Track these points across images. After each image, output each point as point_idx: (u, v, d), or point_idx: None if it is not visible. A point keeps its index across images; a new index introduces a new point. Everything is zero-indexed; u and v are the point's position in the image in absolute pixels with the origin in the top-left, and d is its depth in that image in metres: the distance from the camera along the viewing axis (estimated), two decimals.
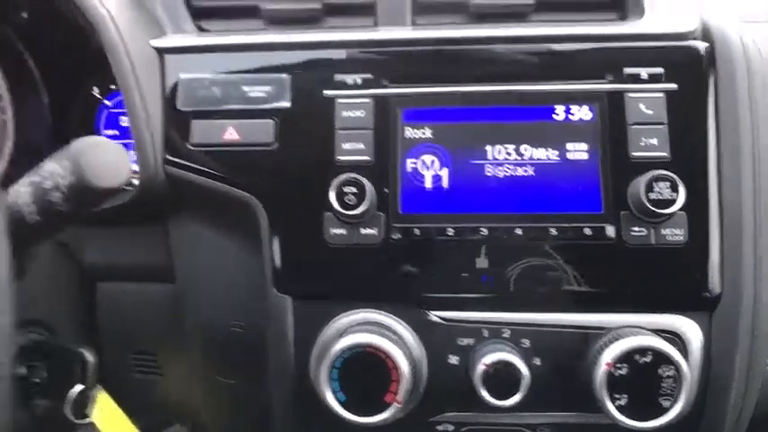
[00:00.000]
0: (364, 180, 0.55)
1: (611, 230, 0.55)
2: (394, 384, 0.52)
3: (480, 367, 0.53)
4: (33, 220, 0.45)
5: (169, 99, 0.60)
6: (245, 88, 0.60)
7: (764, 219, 0.55)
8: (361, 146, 0.58)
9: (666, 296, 0.55)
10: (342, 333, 0.55)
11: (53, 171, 0.44)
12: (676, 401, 0.51)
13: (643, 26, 0.59)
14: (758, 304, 0.54)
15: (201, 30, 0.65)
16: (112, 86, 0.78)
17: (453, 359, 0.55)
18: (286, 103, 0.59)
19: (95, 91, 0.78)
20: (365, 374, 0.53)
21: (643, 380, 0.51)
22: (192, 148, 0.59)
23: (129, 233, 0.64)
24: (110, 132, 0.79)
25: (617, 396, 0.52)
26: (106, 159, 0.44)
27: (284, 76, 0.59)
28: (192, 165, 0.59)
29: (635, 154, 0.56)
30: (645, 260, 0.55)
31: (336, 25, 0.64)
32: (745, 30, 0.59)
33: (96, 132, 0.78)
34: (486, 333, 0.55)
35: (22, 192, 0.45)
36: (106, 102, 0.78)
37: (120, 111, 0.79)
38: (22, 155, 0.72)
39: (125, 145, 0.79)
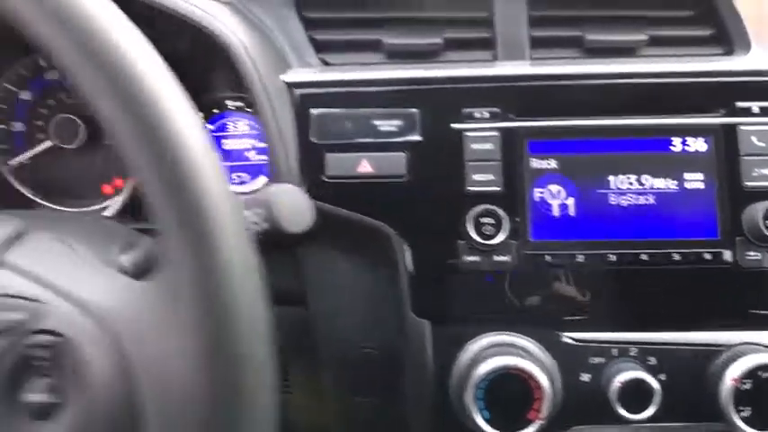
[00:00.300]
0: (500, 211, 0.59)
1: (728, 255, 0.60)
2: (537, 402, 0.57)
3: (615, 384, 0.57)
4: None
5: (302, 132, 0.63)
6: (376, 122, 0.63)
7: None
8: (491, 177, 0.61)
9: None
10: (481, 354, 0.59)
11: (246, 218, 0.47)
12: None
13: (752, 62, 0.63)
14: None
15: (325, 63, 0.68)
16: (215, 110, 0.81)
17: (585, 377, 0.60)
18: (417, 137, 0.62)
19: (200, 116, 0.80)
20: (509, 394, 0.57)
21: (765, 393, 0.56)
22: (328, 180, 0.62)
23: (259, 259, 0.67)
24: None
25: (741, 408, 0.56)
26: (295, 205, 0.47)
27: (413, 110, 0.63)
28: (328, 196, 0.62)
29: (748, 184, 0.60)
30: (759, 282, 0.60)
31: (455, 59, 0.67)
32: None
33: None
34: (615, 352, 0.60)
35: None
36: (209, 125, 0.81)
37: (222, 134, 0.81)
38: None
39: (234, 167, 0.82)
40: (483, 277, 0.61)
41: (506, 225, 0.59)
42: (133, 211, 0.74)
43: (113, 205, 0.72)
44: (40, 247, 0.39)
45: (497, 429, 0.57)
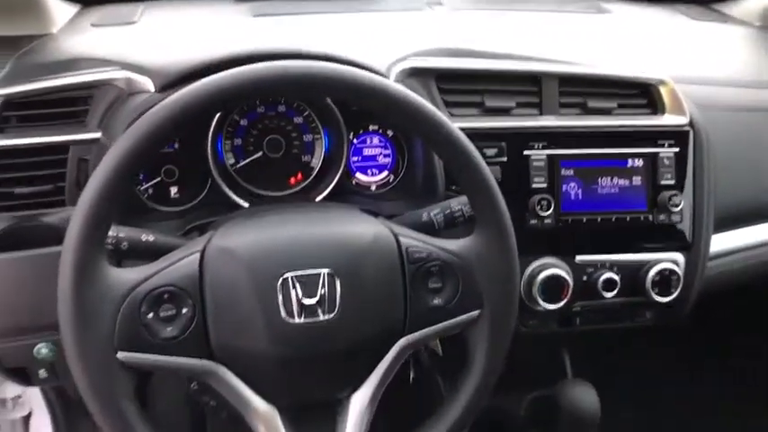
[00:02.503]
0: (552, 198, 1.17)
1: (650, 217, 1.23)
2: (566, 289, 1.18)
3: (601, 279, 1.19)
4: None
5: None
6: (484, 150, 1.17)
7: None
8: (543, 178, 1.19)
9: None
10: (539, 269, 1.18)
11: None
12: (677, 289, 1.22)
13: (666, 120, 1.25)
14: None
15: (451, 114, 1.20)
16: (361, 131, 1.29)
17: (584, 277, 1.22)
18: (504, 158, 1.18)
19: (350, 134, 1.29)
20: (552, 288, 1.17)
21: (666, 282, 1.21)
22: None
23: None
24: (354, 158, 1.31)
25: (655, 288, 1.21)
26: None
27: (503, 143, 1.18)
28: None
29: (661, 182, 1.23)
30: (660, 229, 1.24)
31: (520, 113, 1.22)
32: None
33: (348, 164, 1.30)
34: (599, 265, 1.22)
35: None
36: (355, 140, 1.30)
37: (364, 145, 1.30)
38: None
39: (369, 165, 1.30)
40: (538, 230, 1.19)
41: (552, 205, 1.18)
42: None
43: (322, 192, 1.21)
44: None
45: (548, 303, 1.18)
